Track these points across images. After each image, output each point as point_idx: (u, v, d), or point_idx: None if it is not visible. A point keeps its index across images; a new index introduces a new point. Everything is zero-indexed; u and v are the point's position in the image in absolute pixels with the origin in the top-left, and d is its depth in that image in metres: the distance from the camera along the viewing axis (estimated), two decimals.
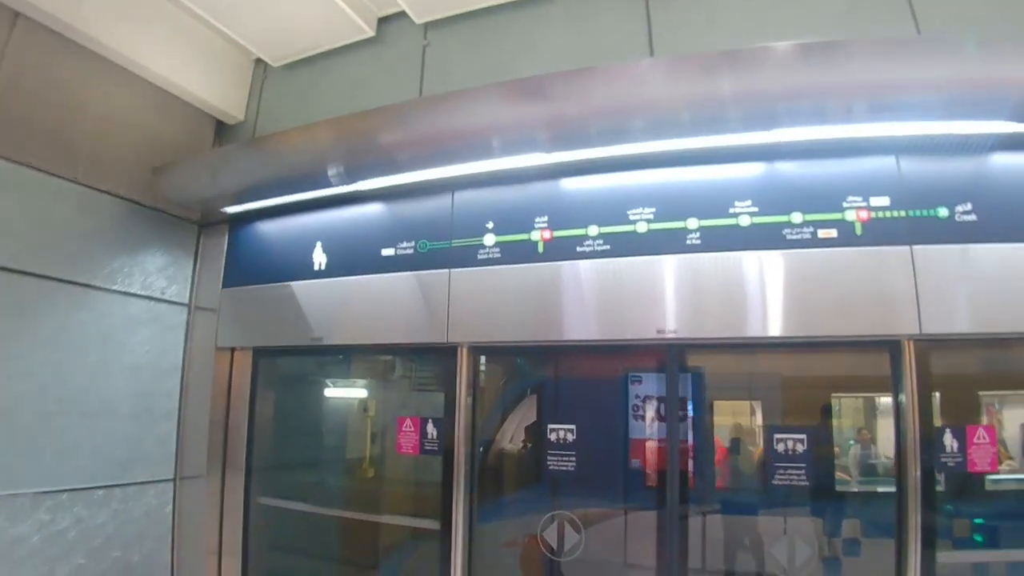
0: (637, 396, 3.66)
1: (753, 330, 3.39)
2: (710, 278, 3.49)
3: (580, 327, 3.62)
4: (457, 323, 3.83)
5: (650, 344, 3.59)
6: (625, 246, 3.63)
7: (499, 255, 3.82)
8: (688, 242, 3.56)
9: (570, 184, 3.84)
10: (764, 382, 3.81)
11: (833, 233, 3.33)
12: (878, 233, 3.24)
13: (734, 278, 3.45)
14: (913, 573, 2.98)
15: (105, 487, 4.45)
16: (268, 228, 4.76)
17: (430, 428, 3.93)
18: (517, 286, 3.74)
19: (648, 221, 3.63)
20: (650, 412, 3.74)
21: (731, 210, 3.53)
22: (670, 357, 3.61)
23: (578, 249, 3.69)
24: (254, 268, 4.72)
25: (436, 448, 3.91)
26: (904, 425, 3.13)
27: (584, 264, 3.66)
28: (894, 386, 3.21)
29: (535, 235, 3.78)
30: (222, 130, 5.42)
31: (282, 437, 5.03)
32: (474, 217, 3.94)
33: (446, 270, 3.91)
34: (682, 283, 3.53)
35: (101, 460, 4.42)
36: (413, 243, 4.06)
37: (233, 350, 4.87)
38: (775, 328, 3.36)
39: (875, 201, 3.30)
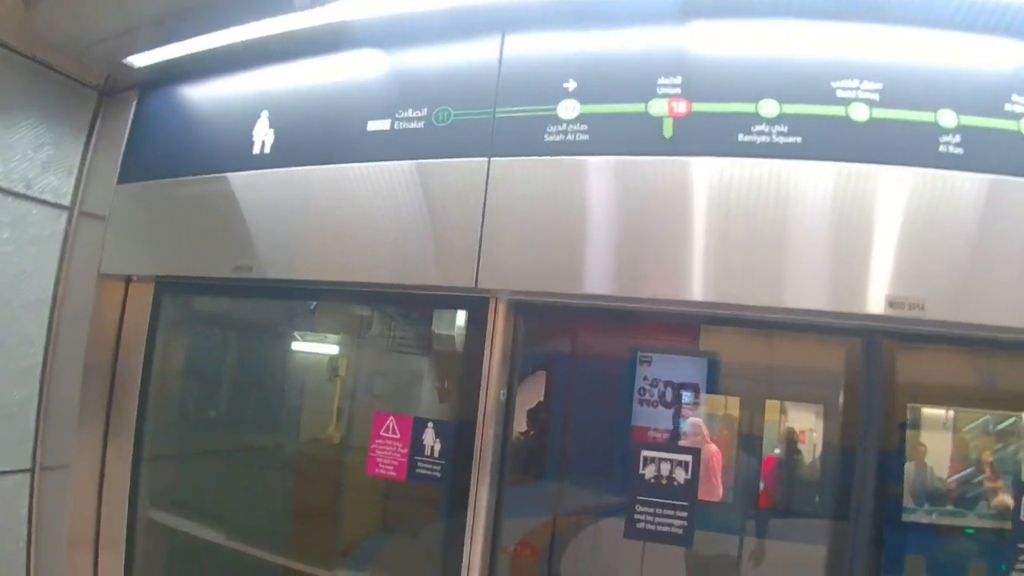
0: (645, 379, 2.39)
1: None
2: (975, 216, 1.91)
3: (738, 285, 1.91)
4: (496, 255, 2.09)
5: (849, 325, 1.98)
6: (829, 141, 1.96)
7: (586, 136, 2.07)
8: (941, 148, 1.96)
9: (726, 30, 2.12)
10: None
11: None
12: None
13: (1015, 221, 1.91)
14: None
15: None
16: (192, 95, 2.98)
17: (429, 437, 2.22)
18: (618, 194, 2.02)
19: (870, 104, 1.98)
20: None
21: (1007, 107, 2.01)
22: (869, 348, 2.04)
23: (741, 138, 1.97)
24: (164, 154, 2.95)
25: (437, 473, 2.20)
26: None
27: (751, 165, 1.94)
28: None
29: (657, 106, 2.04)
30: None
31: (193, 416, 3.34)
32: (541, 72, 2.18)
33: (482, 159, 2.15)
34: (929, 217, 1.91)
35: None
36: (424, 111, 2.30)
37: (128, 280, 3.13)
38: None
39: None
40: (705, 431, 2.33)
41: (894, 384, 2.09)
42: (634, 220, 1.98)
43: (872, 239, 1.89)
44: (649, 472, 2.05)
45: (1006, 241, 1.92)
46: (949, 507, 2.16)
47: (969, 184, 1.92)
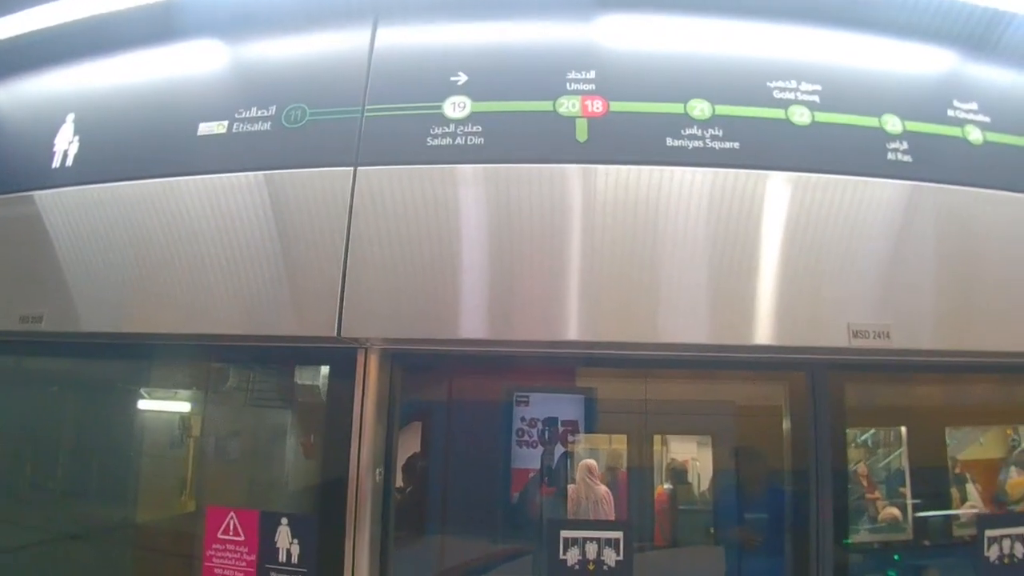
0: (523, 419, 2.12)
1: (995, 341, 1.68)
2: (927, 232, 1.72)
3: (673, 322, 1.55)
4: (364, 294, 1.58)
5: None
6: (771, 146, 1.66)
7: (480, 140, 1.63)
8: (890, 156, 1.74)
9: (646, 23, 1.81)
10: None
11: None
12: None
13: (959, 234, 1.74)
14: None
15: None
16: None
17: (283, 538, 1.66)
18: (520, 211, 1.59)
19: (811, 107, 1.72)
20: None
21: (950, 113, 1.87)
22: (816, 380, 1.75)
23: (670, 143, 1.62)
24: None
25: None
26: None
27: (679, 175, 1.59)
28: None
29: (568, 105, 1.65)
30: None
31: None
32: (424, 62, 1.75)
33: (347, 168, 1.65)
34: (883, 234, 1.68)
35: None
36: (271, 110, 1.78)
37: None
38: None
39: None
40: (596, 473, 2.02)
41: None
42: (540, 244, 1.55)
43: (825, 259, 1.59)
44: (572, 557, 1.62)
45: (954, 255, 1.71)
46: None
47: (919, 196, 1.69)
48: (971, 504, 2.07)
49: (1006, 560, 1.80)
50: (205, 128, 1.81)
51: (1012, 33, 2.02)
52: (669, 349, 1.62)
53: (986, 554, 1.80)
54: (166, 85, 1.93)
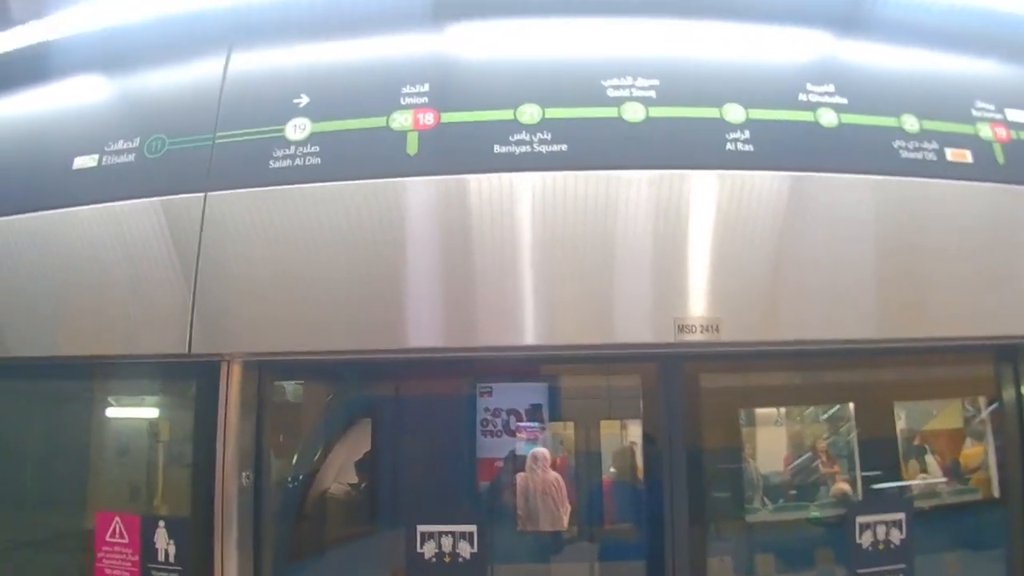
0: (487, 409, 2.11)
1: (841, 329, 1.72)
2: (768, 221, 1.74)
3: (504, 323, 1.63)
4: (219, 311, 1.69)
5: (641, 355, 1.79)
6: (601, 146, 1.71)
7: (317, 159, 1.70)
8: (729, 146, 1.77)
9: (480, 30, 1.91)
10: None
11: (966, 156, 1.90)
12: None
13: (817, 221, 1.77)
14: None
15: None
16: None
17: (161, 539, 1.76)
18: (355, 225, 1.66)
19: (645, 102, 1.76)
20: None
21: (801, 97, 1.87)
22: (666, 373, 1.78)
23: (497, 150, 1.68)
24: None
25: None
26: None
27: (510, 180, 1.65)
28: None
29: (401, 119, 1.72)
30: None
31: None
32: (269, 87, 1.83)
33: (198, 194, 1.74)
34: (723, 227, 1.71)
35: None
36: (136, 141, 1.86)
37: None
38: (870, 326, 1.76)
39: (1012, 115, 1.99)
40: (547, 460, 2.05)
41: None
42: (376, 254, 1.64)
43: (657, 259, 1.65)
44: (429, 550, 1.70)
45: (810, 242, 1.73)
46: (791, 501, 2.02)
47: (759, 184, 1.73)
48: (924, 475, 2.09)
49: (880, 547, 1.82)
50: (80, 162, 1.89)
51: (872, 10, 2.04)
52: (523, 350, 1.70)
53: (858, 541, 1.82)
54: (43, 121, 2.03)
